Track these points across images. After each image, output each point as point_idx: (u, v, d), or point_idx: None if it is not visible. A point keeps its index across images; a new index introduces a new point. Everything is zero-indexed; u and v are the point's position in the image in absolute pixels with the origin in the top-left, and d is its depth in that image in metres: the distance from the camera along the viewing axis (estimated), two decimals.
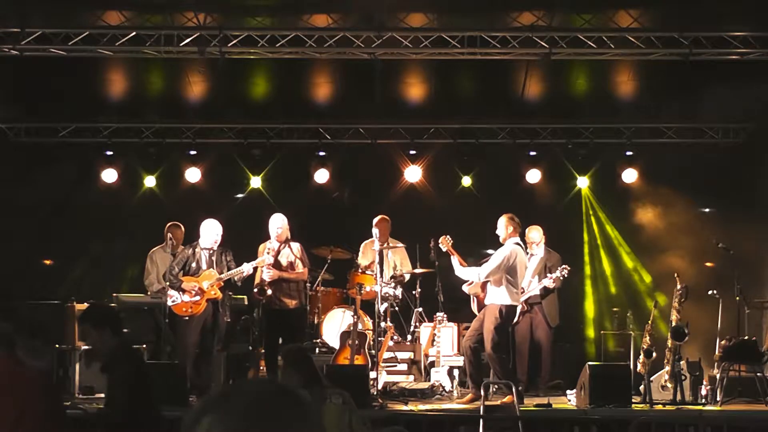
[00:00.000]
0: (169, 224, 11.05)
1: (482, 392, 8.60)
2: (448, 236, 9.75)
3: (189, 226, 10.66)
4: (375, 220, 11.15)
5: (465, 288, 9.84)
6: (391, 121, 12.91)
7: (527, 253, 10.56)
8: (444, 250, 9.74)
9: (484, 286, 9.60)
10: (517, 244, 9.60)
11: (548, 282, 10.64)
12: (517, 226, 9.68)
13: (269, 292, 9.69)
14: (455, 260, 9.70)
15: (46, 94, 12.00)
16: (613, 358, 10.85)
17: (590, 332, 12.60)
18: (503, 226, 9.63)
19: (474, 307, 9.79)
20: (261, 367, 10.02)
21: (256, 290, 9.79)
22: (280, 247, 9.84)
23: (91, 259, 12.99)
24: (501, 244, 9.66)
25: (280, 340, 10.12)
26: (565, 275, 10.57)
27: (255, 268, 9.81)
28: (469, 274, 9.63)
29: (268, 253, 9.76)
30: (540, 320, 10.79)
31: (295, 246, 9.94)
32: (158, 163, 13.11)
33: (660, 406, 9.28)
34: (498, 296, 9.39)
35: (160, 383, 7.22)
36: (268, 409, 1.82)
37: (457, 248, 9.75)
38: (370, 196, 12.76)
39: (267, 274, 9.70)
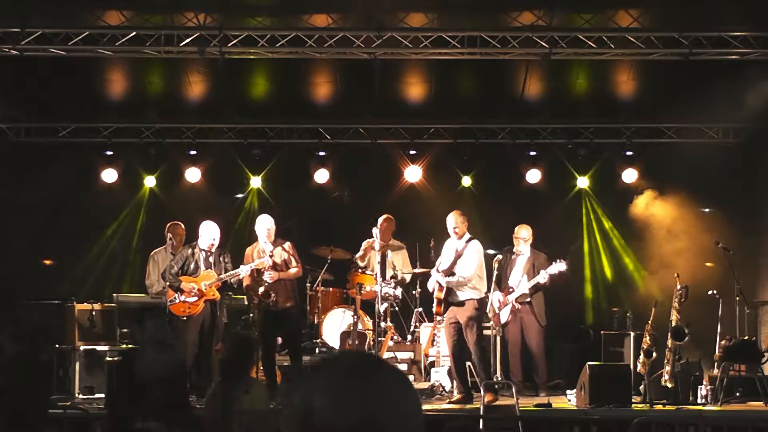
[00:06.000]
0: (169, 224, 11.03)
1: (482, 392, 8.61)
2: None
3: (189, 226, 10.66)
4: (380, 219, 11.15)
5: (432, 286, 9.68)
6: (391, 121, 12.91)
7: (514, 252, 10.54)
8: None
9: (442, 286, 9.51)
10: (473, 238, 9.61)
11: (542, 278, 10.41)
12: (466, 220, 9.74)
13: (273, 295, 9.66)
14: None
15: (46, 94, 12.00)
16: (613, 358, 10.83)
17: (590, 332, 12.57)
18: (460, 222, 9.59)
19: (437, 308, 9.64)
20: (260, 367, 10.01)
21: (260, 292, 9.74)
22: (273, 248, 9.83)
23: (91, 259, 13.00)
24: (488, 244, 9.65)
25: (279, 341, 10.15)
26: (563, 270, 10.34)
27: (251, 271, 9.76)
28: (450, 278, 9.44)
29: (270, 255, 9.72)
30: (531, 320, 10.63)
31: (286, 244, 9.91)
32: (158, 163, 13.11)
33: (660, 406, 9.28)
34: (471, 292, 9.38)
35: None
36: (362, 375, 1.89)
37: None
38: (370, 196, 12.75)
39: (268, 276, 9.68)
